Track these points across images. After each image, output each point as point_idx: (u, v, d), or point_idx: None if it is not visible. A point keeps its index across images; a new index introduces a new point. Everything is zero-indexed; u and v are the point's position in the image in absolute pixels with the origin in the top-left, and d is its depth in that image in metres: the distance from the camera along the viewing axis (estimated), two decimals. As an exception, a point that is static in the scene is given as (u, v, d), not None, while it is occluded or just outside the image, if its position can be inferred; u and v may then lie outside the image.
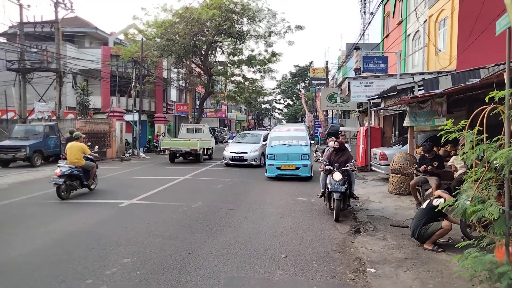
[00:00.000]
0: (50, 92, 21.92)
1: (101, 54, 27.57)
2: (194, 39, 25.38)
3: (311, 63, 60.03)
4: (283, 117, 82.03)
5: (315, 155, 18.69)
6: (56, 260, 4.94)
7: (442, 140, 4.17)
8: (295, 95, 65.48)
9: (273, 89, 63.12)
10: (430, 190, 7.74)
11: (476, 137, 3.88)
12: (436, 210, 5.28)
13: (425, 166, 7.90)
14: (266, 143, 14.80)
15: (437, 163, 7.88)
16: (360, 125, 19.24)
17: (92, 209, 8.05)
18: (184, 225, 6.72)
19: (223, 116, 49.77)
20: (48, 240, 5.81)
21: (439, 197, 5.52)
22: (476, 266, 3.28)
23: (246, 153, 16.23)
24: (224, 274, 4.54)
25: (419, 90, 10.22)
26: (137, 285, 4.20)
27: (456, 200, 4.01)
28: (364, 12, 47.91)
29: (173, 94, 37.35)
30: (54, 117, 21.07)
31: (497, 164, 3.38)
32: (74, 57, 23.21)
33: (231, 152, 16.61)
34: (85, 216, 7.42)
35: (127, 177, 13.26)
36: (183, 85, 35.66)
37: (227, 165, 16.58)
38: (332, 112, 36.83)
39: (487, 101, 3.72)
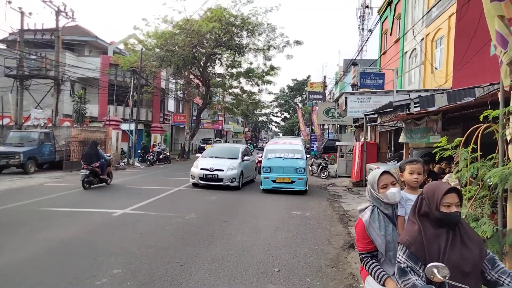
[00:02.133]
0: (47, 99, 21.90)
1: (100, 62, 27.70)
2: (194, 51, 25.61)
3: (308, 77, 60.58)
4: (279, 130, 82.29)
5: (310, 169, 18.69)
6: (47, 269, 4.86)
7: (436, 157, 4.18)
8: (292, 108, 65.84)
9: (271, 102, 63.50)
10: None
11: (470, 155, 3.90)
12: None
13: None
14: (247, 159, 14.12)
15: (431, 180, 7.89)
16: (356, 140, 19.33)
17: (85, 218, 7.96)
18: (177, 236, 6.66)
19: (220, 127, 49.83)
20: (40, 248, 5.72)
21: None
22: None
23: (222, 170, 12.74)
24: (216, 287, 4.48)
25: (415, 107, 10.31)
26: (127, 297, 4.13)
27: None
28: (362, 29, 48.58)
29: (171, 105, 37.45)
30: (50, 124, 21.00)
31: (491, 183, 3.39)
32: (73, 65, 23.29)
33: (202, 169, 12.91)
34: (78, 224, 7.33)
35: (121, 187, 13.16)
36: (181, 95, 35.80)
37: (195, 185, 13.08)
38: (329, 127, 37.01)
39: (481, 119, 3.75)
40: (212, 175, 12.75)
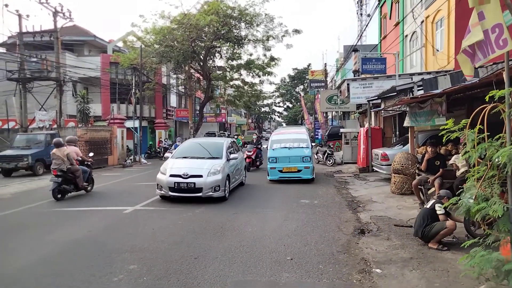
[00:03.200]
0: (50, 101, 22.00)
1: (100, 61, 27.67)
2: (193, 45, 25.51)
3: (309, 65, 60.15)
4: (282, 120, 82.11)
5: (316, 157, 18.70)
6: (61, 269, 4.95)
7: (443, 140, 4.20)
8: (294, 98, 65.60)
9: (272, 92, 63.23)
10: (433, 189, 7.77)
11: (477, 136, 3.91)
12: (440, 214, 5.35)
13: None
14: (234, 158, 10.73)
15: (439, 162, 7.91)
16: (360, 126, 19.29)
17: (96, 217, 8.07)
18: (189, 230, 6.74)
19: (223, 120, 49.83)
20: (53, 249, 5.83)
21: (441, 202, 5.51)
22: (483, 264, 3.30)
23: (201, 176, 9.22)
24: (231, 278, 4.56)
25: (418, 90, 10.28)
26: (144, 291, 4.22)
27: (460, 199, 4.04)
28: (361, 14, 48.16)
29: (173, 100, 37.46)
30: (55, 126, 21.15)
31: (500, 162, 3.41)
32: (74, 66, 23.31)
33: (172, 176, 9.36)
34: (90, 223, 7.44)
35: (129, 184, 13.28)
36: (183, 90, 35.78)
37: (165, 198, 9.60)
38: (332, 114, 36.89)
39: (487, 100, 3.75)
40: (187, 183, 9.12)
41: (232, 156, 10.65)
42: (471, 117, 4.20)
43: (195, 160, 9.93)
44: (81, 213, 8.47)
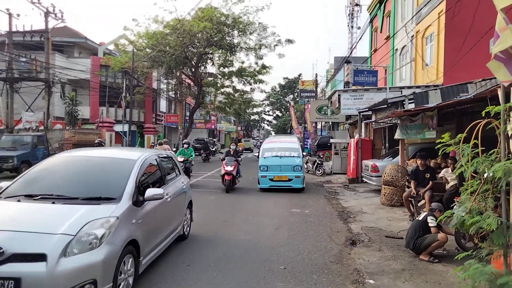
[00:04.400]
0: (38, 102, 21.67)
1: (90, 64, 27.45)
2: (185, 51, 25.52)
3: (299, 75, 60.75)
4: (272, 129, 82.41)
5: (305, 166, 18.79)
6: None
7: (439, 153, 4.28)
8: (284, 107, 65.97)
9: (262, 100, 63.49)
10: (423, 201, 7.87)
11: (472, 150, 3.99)
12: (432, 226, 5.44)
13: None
14: (159, 197, 4.72)
15: (429, 175, 8.03)
16: (350, 137, 19.49)
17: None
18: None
19: (213, 127, 49.76)
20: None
21: (433, 215, 5.61)
22: (477, 277, 3.35)
23: (40, 258, 3.38)
24: (225, 286, 4.52)
25: (409, 103, 10.46)
26: (137, 298, 4.13)
27: (453, 213, 4.11)
28: (352, 27, 48.91)
29: (163, 105, 37.29)
30: (41, 127, 20.79)
31: (495, 177, 3.49)
32: (63, 67, 23.04)
33: None
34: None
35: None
36: (173, 96, 35.66)
37: None
38: (321, 124, 37.20)
39: (483, 115, 3.85)
40: None
41: (152, 193, 4.66)
42: (465, 131, 4.29)
43: (44, 208, 4.12)
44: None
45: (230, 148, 13.90)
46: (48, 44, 21.11)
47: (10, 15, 20.59)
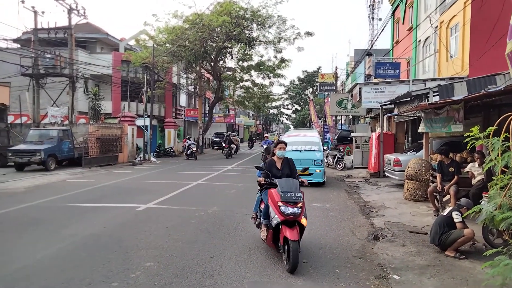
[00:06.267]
0: (63, 97, 22.21)
1: (112, 59, 27.90)
2: (204, 45, 25.61)
3: (319, 68, 60.02)
4: (290, 123, 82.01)
5: (326, 160, 18.64)
6: (80, 263, 5.00)
7: (468, 147, 4.16)
8: (303, 100, 65.49)
9: (281, 94, 63.20)
10: (448, 196, 7.70)
11: (503, 144, 3.86)
12: (457, 222, 5.32)
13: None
14: None
15: (453, 169, 7.84)
16: (372, 131, 19.20)
17: (110, 213, 8.13)
18: (202, 230, 6.76)
19: (232, 121, 49.97)
20: (70, 243, 5.89)
21: (459, 210, 5.49)
22: (507, 273, 3.26)
23: None
24: (247, 278, 4.56)
25: (434, 96, 10.20)
26: (162, 289, 4.22)
27: (481, 208, 4.00)
28: (373, 18, 47.97)
29: (183, 100, 37.62)
30: (66, 122, 21.34)
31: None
32: (86, 62, 23.52)
33: None
34: (104, 219, 7.49)
35: (140, 182, 13.35)
36: (193, 90, 35.93)
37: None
38: (342, 118, 36.77)
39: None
40: None
41: None
42: (495, 124, 4.15)
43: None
44: (95, 209, 8.53)
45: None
46: (72, 40, 21.56)
47: (35, 12, 21.10)
